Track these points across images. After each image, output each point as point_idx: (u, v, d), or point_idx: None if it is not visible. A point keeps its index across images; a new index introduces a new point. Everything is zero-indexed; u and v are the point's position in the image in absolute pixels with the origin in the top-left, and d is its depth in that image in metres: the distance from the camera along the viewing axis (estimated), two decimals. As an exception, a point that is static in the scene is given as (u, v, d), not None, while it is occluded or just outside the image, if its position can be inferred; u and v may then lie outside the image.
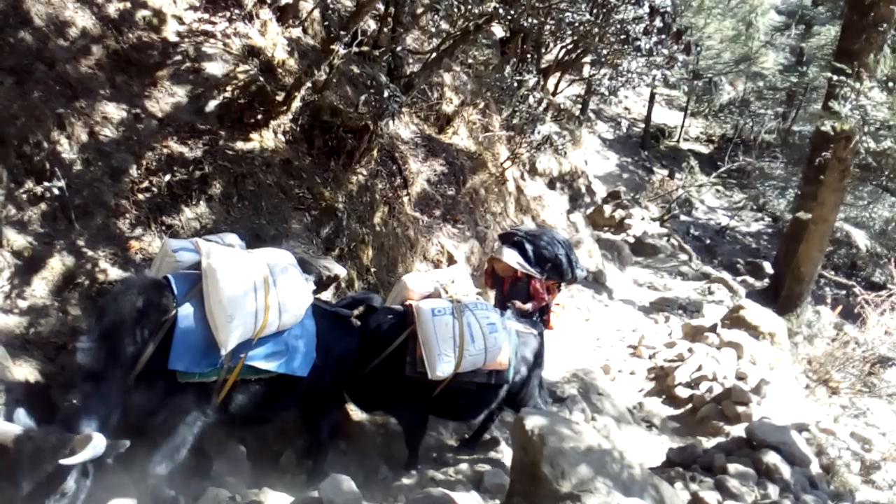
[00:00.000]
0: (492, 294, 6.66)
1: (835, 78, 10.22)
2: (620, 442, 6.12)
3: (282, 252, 4.03)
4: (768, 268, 16.06)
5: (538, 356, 5.41)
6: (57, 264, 4.28)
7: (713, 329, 9.56)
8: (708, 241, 18.35)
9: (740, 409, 7.44)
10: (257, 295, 3.61)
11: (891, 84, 9.58)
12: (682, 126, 24.88)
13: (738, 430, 7.00)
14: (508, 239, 6.10)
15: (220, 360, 3.50)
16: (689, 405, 8.07)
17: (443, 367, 4.38)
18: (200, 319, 3.46)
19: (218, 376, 3.55)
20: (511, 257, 5.82)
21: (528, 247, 5.89)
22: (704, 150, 24.73)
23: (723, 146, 24.20)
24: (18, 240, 4.17)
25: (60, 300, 4.22)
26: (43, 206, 4.40)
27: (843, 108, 9.59)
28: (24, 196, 4.33)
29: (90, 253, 4.45)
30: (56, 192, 4.40)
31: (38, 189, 4.37)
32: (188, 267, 3.70)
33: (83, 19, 4.97)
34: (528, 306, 5.81)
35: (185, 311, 3.44)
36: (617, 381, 8.74)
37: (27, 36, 4.56)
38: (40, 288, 4.16)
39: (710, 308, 11.99)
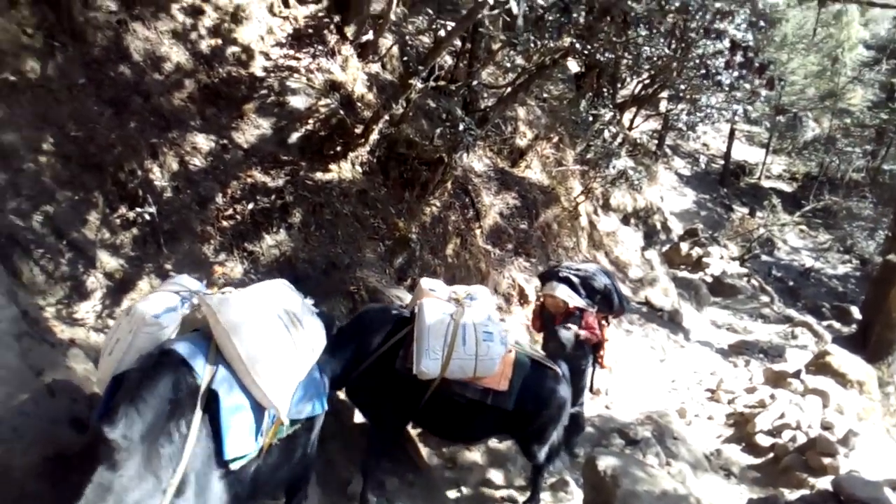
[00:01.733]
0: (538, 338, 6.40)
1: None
2: (697, 489, 5.85)
3: (280, 284, 3.49)
4: (856, 313, 15.22)
5: (551, 397, 4.74)
6: (145, 286, 4.47)
7: (797, 375, 9.08)
8: (791, 283, 17.59)
9: (826, 460, 6.99)
10: (292, 341, 3.14)
11: None
12: (764, 163, 24.15)
13: (823, 483, 6.57)
14: (553, 276, 5.89)
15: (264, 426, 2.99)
16: (771, 454, 7.64)
17: (428, 363, 4.15)
18: (240, 388, 2.90)
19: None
20: (563, 292, 5.63)
21: (576, 280, 5.72)
22: (787, 188, 23.87)
23: (807, 184, 23.29)
24: (111, 262, 4.39)
25: (147, 321, 4.39)
26: (134, 230, 4.63)
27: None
28: (118, 221, 4.58)
29: (176, 276, 4.62)
30: (147, 217, 4.64)
31: (131, 214, 4.62)
32: (179, 332, 3.11)
33: (177, 55, 5.27)
34: (583, 333, 5.58)
35: (223, 382, 2.83)
36: (693, 425, 8.38)
37: (126, 70, 4.86)
38: (129, 308, 4.35)
39: (794, 353, 11.41)
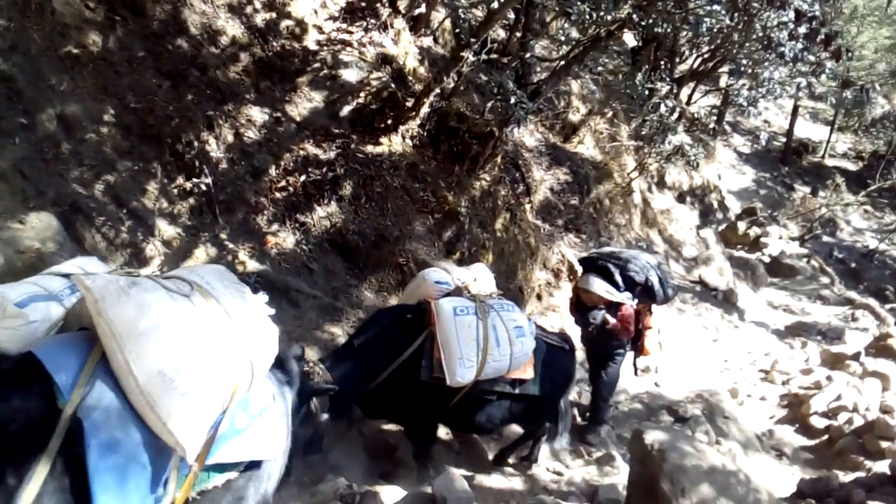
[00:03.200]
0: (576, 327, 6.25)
1: None
2: (747, 468, 5.76)
3: (214, 270, 2.47)
4: (922, 296, 14.62)
5: (566, 375, 4.90)
6: (202, 254, 4.62)
7: (856, 357, 8.81)
8: (853, 265, 16.94)
9: (884, 444, 6.78)
10: (218, 349, 2.12)
11: None
12: (828, 141, 23.19)
13: (881, 467, 6.38)
14: (591, 264, 5.65)
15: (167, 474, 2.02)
16: (826, 436, 7.45)
17: (464, 372, 3.93)
18: (130, 416, 1.93)
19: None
20: (599, 286, 5.39)
21: (615, 271, 5.42)
22: (852, 167, 22.90)
23: (874, 163, 22.25)
24: (168, 230, 4.55)
25: (203, 287, 4.54)
26: (191, 200, 4.78)
27: None
28: (175, 191, 4.73)
29: (231, 245, 4.78)
30: (203, 188, 4.78)
31: (188, 185, 4.76)
32: (57, 329, 2.26)
33: (233, 28, 5.36)
34: (612, 320, 5.46)
35: (97, 408, 1.87)
36: (745, 405, 8.23)
37: (184, 43, 4.98)
38: (187, 275, 4.50)
39: (853, 335, 11.05)
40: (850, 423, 7.34)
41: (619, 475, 5.43)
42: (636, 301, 5.54)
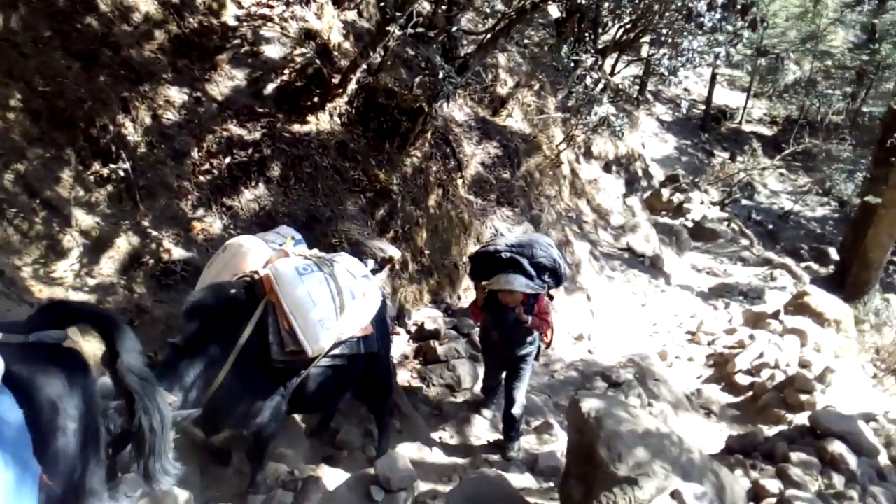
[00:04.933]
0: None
1: (911, 54, 9.71)
2: (678, 428, 6.01)
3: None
4: (834, 254, 15.49)
5: (387, 324, 4.47)
6: (123, 244, 4.41)
7: (776, 316, 9.26)
8: (770, 227, 17.78)
9: (804, 397, 7.20)
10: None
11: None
12: (745, 107, 24.07)
13: (801, 419, 6.76)
14: (493, 260, 4.88)
15: None
16: (750, 393, 7.85)
17: (326, 335, 3.42)
18: None
19: None
20: (521, 283, 4.72)
21: (524, 261, 4.78)
22: (768, 132, 23.85)
23: (787, 128, 23.24)
24: (87, 220, 4.32)
25: (127, 278, 4.36)
26: (109, 187, 4.54)
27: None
28: (92, 178, 4.48)
29: (154, 233, 4.58)
30: (121, 173, 4.54)
31: (105, 171, 4.51)
32: None
33: (146, 4, 5.08)
34: (531, 320, 4.87)
35: None
36: (674, 367, 8.56)
37: (94, 21, 4.69)
38: (107, 266, 4.31)
39: (773, 295, 11.62)
40: (772, 378, 7.74)
41: (557, 443, 5.58)
42: (546, 288, 4.99)
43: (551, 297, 5.28)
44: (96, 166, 4.50)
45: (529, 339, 5.04)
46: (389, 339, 4.62)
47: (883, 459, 6.08)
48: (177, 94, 5.11)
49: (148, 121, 4.87)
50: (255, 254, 3.56)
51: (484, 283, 4.94)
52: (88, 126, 4.49)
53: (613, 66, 12.84)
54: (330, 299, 3.44)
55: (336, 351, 3.64)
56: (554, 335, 5.35)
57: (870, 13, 23.01)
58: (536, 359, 5.31)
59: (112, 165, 4.51)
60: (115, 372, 2.27)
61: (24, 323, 2.19)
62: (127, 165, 4.53)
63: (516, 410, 5.10)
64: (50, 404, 2.01)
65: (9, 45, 4.19)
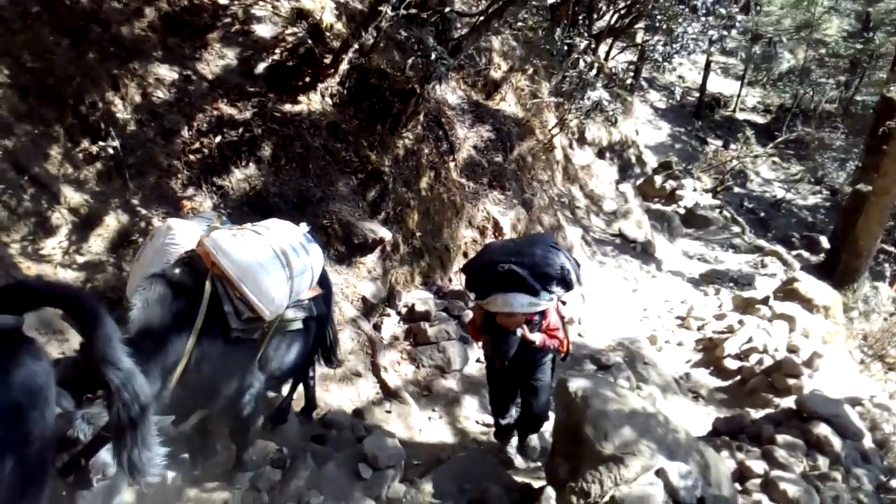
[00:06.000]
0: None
1: (904, 42, 9.74)
2: (666, 410, 6.05)
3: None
4: (825, 242, 15.57)
5: (330, 288, 4.21)
6: (112, 222, 4.40)
7: (765, 301, 9.31)
8: (762, 214, 17.86)
9: (791, 381, 7.26)
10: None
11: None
12: (739, 95, 24.11)
13: (788, 402, 6.82)
14: (488, 273, 4.09)
15: None
16: (738, 377, 7.91)
17: (280, 293, 3.24)
18: None
19: None
20: (521, 302, 4.02)
21: (524, 273, 4.02)
22: (761, 120, 23.91)
23: (781, 116, 23.31)
24: (75, 197, 4.31)
25: (116, 256, 4.35)
26: (98, 165, 4.53)
27: (912, 73, 9.15)
28: (80, 155, 4.47)
29: (144, 211, 4.57)
30: (111, 151, 4.51)
31: (94, 148, 4.50)
32: None
33: (136, -19, 5.04)
34: (539, 339, 4.21)
35: None
36: (664, 351, 8.62)
37: (83, -3, 4.65)
38: (96, 244, 4.31)
39: (763, 281, 11.70)
40: (760, 363, 7.79)
41: (546, 422, 5.61)
42: (555, 299, 4.27)
43: (563, 303, 4.59)
44: (85, 143, 4.49)
45: (542, 360, 4.42)
46: (331, 300, 4.27)
47: (867, 442, 6.15)
48: (167, 72, 5.08)
49: (138, 99, 4.85)
50: (185, 234, 3.32)
51: (480, 301, 4.23)
52: (77, 103, 4.47)
53: (608, 52, 12.83)
54: (275, 259, 3.25)
55: (291, 314, 3.49)
56: (570, 344, 4.62)
57: (864, 2, 23.05)
58: (553, 369, 4.61)
59: (101, 143, 4.49)
60: (89, 361, 2.14)
61: None
62: (116, 143, 4.51)
63: (530, 430, 4.79)
64: None
65: (-4, 20, 4.15)
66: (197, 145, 5.05)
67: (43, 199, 4.13)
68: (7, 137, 4.07)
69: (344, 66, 6.20)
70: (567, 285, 4.26)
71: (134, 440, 2.23)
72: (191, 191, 4.90)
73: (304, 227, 3.70)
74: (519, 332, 4.09)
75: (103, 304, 2.36)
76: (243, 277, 3.09)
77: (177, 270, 3.05)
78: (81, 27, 4.63)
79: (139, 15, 5.07)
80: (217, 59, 5.47)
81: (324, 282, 3.89)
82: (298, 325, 3.56)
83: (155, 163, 4.80)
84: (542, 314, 4.18)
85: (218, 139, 5.16)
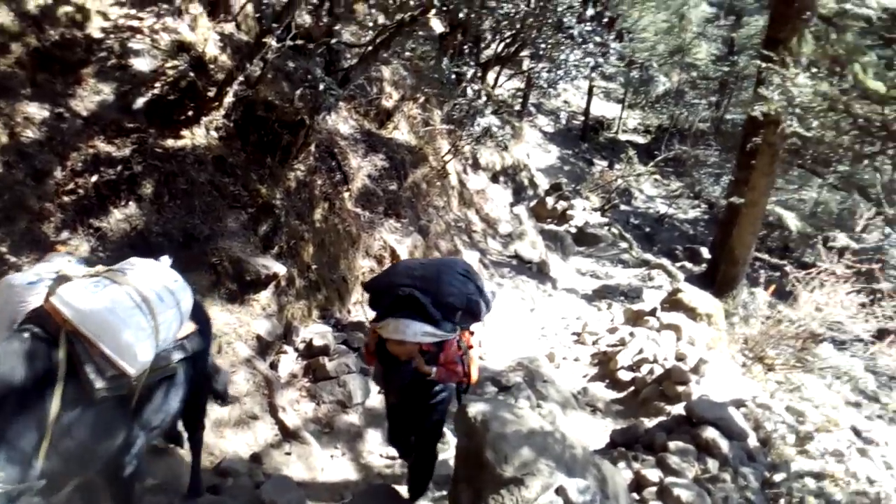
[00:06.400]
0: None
1: (763, 65, 10.60)
2: (566, 426, 6.21)
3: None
4: (706, 253, 16.53)
5: (207, 319, 3.97)
6: (-23, 270, 4.10)
7: (653, 313, 9.73)
8: (647, 230, 18.79)
9: (680, 388, 7.60)
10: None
11: (813, 69, 9.96)
12: (620, 118, 25.42)
13: (678, 409, 7.15)
14: (388, 297, 3.84)
15: None
16: (632, 388, 8.21)
17: (144, 347, 2.95)
18: None
19: None
20: (414, 331, 3.70)
21: (425, 300, 3.74)
22: (642, 140, 25.28)
23: (660, 136, 24.79)
24: (-66, 247, 3.99)
25: (-18, 308, 4.03)
26: (-40, 210, 4.21)
27: (772, 93, 9.96)
28: (-60, 201, 4.14)
29: (13, 259, 4.28)
30: (-26, 195, 4.22)
31: (-45, 193, 4.18)
32: None
33: (1, 16, 4.76)
34: (435, 371, 3.92)
35: None
36: (562, 368, 8.85)
37: (-59, 33, 4.35)
38: (-40, 296, 3.97)
39: (651, 293, 12.25)
40: (651, 373, 8.13)
41: (449, 450, 5.62)
42: (458, 330, 4.01)
43: (471, 333, 4.30)
44: (-55, 189, 4.17)
45: (439, 395, 4.16)
46: (210, 332, 4.00)
47: (752, 442, 6.54)
48: (37, 111, 4.81)
49: (4, 139, 4.56)
50: (27, 290, 2.95)
51: (374, 324, 3.93)
52: (-66, 145, 4.15)
53: (496, 80, 13.22)
54: (136, 309, 2.96)
55: (163, 359, 3.19)
56: (476, 371, 4.33)
57: (728, 28, 25.02)
58: (459, 398, 4.39)
59: (-38, 187, 4.19)
60: None
61: None
62: (-20, 187, 4.22)
63: (424, 471, 4.47)
64: None
65: None
66: (71, 186, 4.79)
67: None
68: None
69: (229, 99, 6.09)
70: (474, 316, 4.08)
71: None
72: (65, 234, 4.64)
73: (165, 260, 3.42)
74: (411, 369, 3.82)
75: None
76: (100, 334, 2.80)
77: (25, 334, 2.73)
78: (-63, 64, 4.33)
79: (5, 51, 4.78)
80: (92, 95, 5.23)
81: (197, 314, 3.59)
82: (174, 368, 3.29)
83: (25, 206, 4.51)
84: (441, 345, 3.86)
85: (94, 178, 4.92)
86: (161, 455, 4.15)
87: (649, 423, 7.20)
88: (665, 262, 15.10)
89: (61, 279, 2.91)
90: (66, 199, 4.72)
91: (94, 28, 5.50)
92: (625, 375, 8.38)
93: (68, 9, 5.35)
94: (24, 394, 2.60)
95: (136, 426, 3.14)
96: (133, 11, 5.88)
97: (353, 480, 4.79)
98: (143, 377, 3.04)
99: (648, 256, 15.57)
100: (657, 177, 22.30)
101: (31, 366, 2.65)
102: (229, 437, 4.71)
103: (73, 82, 5.19)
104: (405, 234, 8.26)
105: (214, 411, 4.38)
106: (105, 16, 5.63)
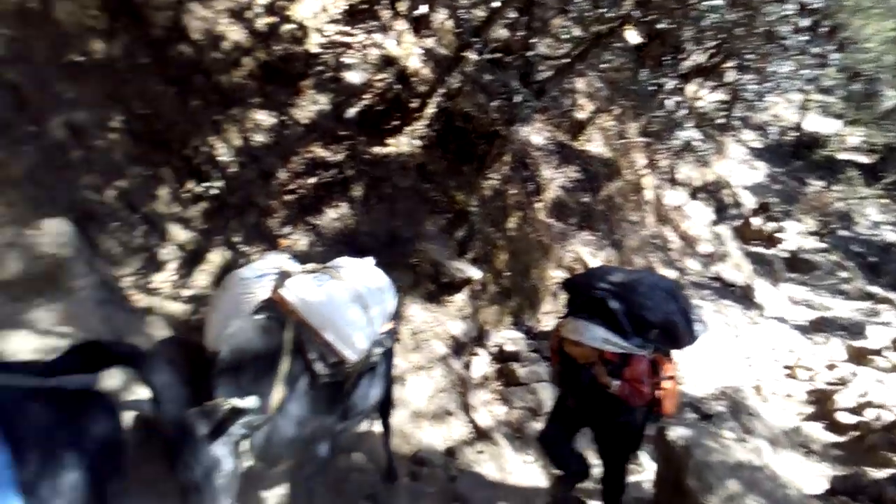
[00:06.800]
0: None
1: None
2: (774, 464, 5.63)
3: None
4: (945, 289, 14.37)
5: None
6: (216, 258, 4.62)
7: (879, 352, 8.67)
8: (872, 259, 16.70)
9: (916, 440, 6.64)
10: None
11: None
12: (839, 134, 23.03)
13: (912, 463, 6.24)
14: (581, 296, 3.79)
15: None
16: (855, 433, 7.30)
17: (361, 336, 3.21)
18: None
19: None
20: (594, 336, 3.56)
21: (617, 308, 3.57)
22: (866, 160, 22.65)
23: (888, 156, 22.05)
24: (182, 234, 4.54)
25: (218, 291, 4.51)
26: (203, 204, 4.76)
27: None
28: (187, 195, 4.70)
29: (245, 248, 4.76)
30: (214, 192, 4.76)
31: (199, 189, 4.74)
32: None
33: (235, 33, 5.33)
34: (615, 385, 3.63)
35: None
36: (770, 402, 8.07)
37: (186, 49, 4.94)
38: (201, 278, 4.52)
39: (875, 330, 10.85)
40: (878, 419, 7.22)
41: (644, 472, 5.32)
42: (651, 349, 3.74)
43: (669, 360, 3.96)
44: (190, 185, 4.72)
45: (622, 409, 3.74)
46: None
47: None
48: (265, 118, 5.32)
49: (238, 142, 5.08)
50: (254, 283, 3.27)
51: (561, 321, 3.88)
52: (183, 147, 4.72)
53: (697, 93, 12.56)
54: (353, 303, 3.24)
55: (370, 354, 3.39)
56: (672, 404, 3.91)
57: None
58: (644, 426, 3.95)
59: (205, 184, 4.74)
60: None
61: (54, 362, 2.17)
62: (219, 184, 4.75)
63: (612, 484, 4.05)
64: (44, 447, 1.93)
65: (110, 71, 4.46)
66: (293, 186, 5.24)
67: (152, 236, 4.37)
68: (120, 178, 4.33)
69: (431, 110, 6.33)
70: (672, 339, 3.79)
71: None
72: (287, 229, 5.07)
73: (370, 259, 3.73)
74: (593, 369, 3.62)
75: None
76: (323, 324, 3.07)
77: (259, 315, 3.06)
78: (186, 76, 4.92)
79: (238, 64, 5.35)
80: (311, 105, 5.69)
81: (394, 314, 3.81)
82: (376, 360, 3.50)
83: (254, 203, 5.01)
84: (627, 359, 3.61)
85: (312, 180, 5.34)
86: (361, 439, 4.31)
87: (876, 473, 6.34)
88: (893, 296, 13.34)
89: (284, 274, 3.26)
90: (288, 197, 5.16)
91: (312, 44, 5.98)
92: (846, 418, 7.47)
93: (291, 26, 5.87)
94: (259, 359, 2.92)
95: (345, 411, 3.35)
96: (346, 28, 6.34)
97: (543, 488, 4.66)
98: (357, 366, 3.25)
99: (874, 289, 13.83)
100: (885, 200, 19.83)
101: (265, 339, 2.98)
102: (426, 429, 4.81)
103: (294, 93, 5.68)
104: (599, 248, 8.04)
105: (414, 404, 4.52)
106: (321, 32, 6.11)
